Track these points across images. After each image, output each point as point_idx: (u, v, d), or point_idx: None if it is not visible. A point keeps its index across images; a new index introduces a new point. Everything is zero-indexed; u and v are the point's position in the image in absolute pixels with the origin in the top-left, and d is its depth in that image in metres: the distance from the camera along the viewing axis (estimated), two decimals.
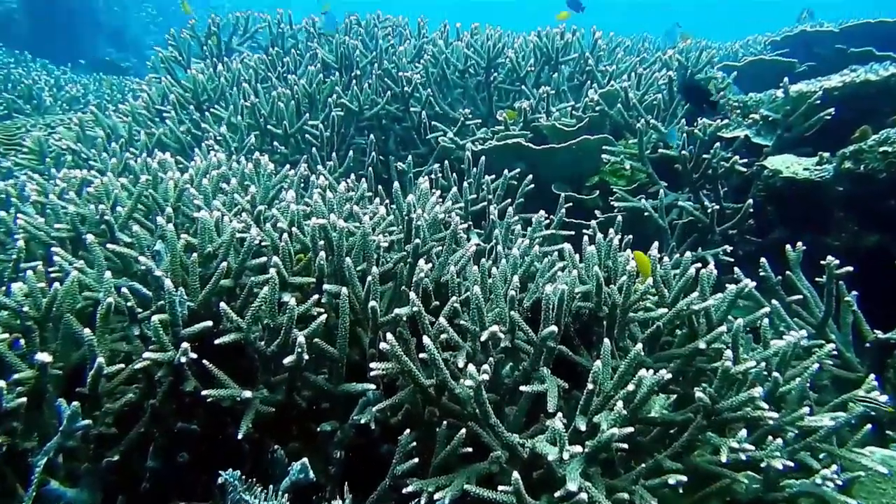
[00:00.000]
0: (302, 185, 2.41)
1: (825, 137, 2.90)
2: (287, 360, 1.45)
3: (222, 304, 1.44)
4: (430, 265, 1.78)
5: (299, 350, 1.43)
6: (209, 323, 1.48)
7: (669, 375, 1.42)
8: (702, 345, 1.59)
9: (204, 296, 1.57)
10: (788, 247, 2.11)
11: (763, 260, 2.09)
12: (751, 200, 2.65)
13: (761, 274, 2.09)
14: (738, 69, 4.03)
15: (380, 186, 2.72)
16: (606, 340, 1.53)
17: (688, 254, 1.86)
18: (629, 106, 3.13)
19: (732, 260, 2.65)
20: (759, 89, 3.93)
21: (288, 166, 2.34)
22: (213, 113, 3.12)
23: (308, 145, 3.10)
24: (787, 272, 2.08)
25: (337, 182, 2.44)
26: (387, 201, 2.55)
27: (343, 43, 3.73)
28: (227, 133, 2.83)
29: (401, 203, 1.99)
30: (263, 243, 1.78)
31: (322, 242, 1.76)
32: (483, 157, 2.89)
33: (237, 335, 1.48)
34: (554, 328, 1.52)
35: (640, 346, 1.45)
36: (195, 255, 1.59)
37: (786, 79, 2.94)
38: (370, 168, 2.95)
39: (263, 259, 1.74)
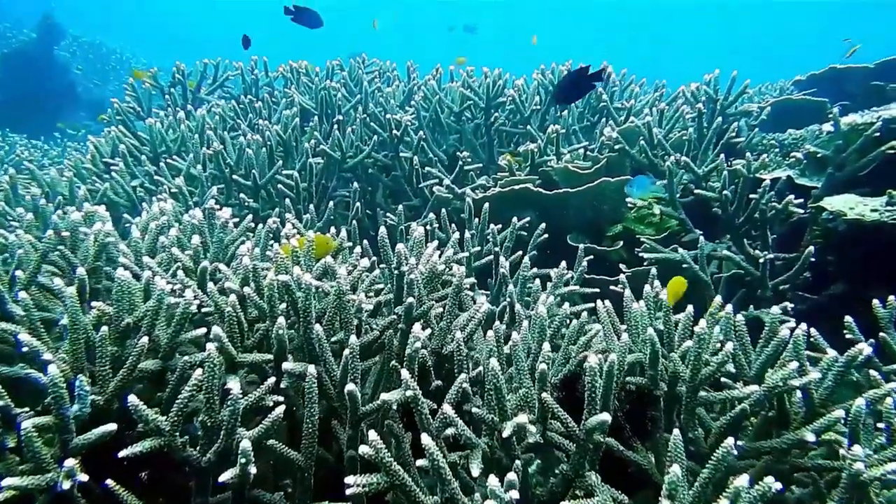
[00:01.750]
0: (271, 240, 2.05)
1: (879, 177, 2.57)
2: (225, 477, 1.03)
3: (131, 398, 1.04)
4: (428, 332, 1.40)
5: (243, 461, 1.02)
6: (113, 427, 1.07)
7: (779, 485, 1.01)
8: (809, 436, 1.19)
9: (116, 385, 1.17)
10: (877, 302, 1.72)
11: (849, 319, 1.70)
12: (811, 248, 2.29)
13: (847, 337, 1.70)
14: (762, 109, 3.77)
15: (365, 242, 2.36)
16: (677, 433, 1.13)
17: (717, 298, 1.49)
18: (654, 144, 2.81)
19: (793, 320, 2.26)
20: (784, 131, 3.65)
21: (250, 217, 1.98)
22: (171, 164, 2.78)
23: (282, 198, 2.75)
24: (881, 334, 1.69)
25: None
26: (374, 259, 2.19)
27: (323, 87, 3.44)
28: (184, 185, 2.48)
29: (389, 253, 1.62)
30: (207, 310, 1.40)
31: (284, 306, 1.38)
32: (486, 206, 2.55)
33: (155, 441, 1.07)
34: (606, 417, 1.12)
35: (731, 441, 1.05)
36: (106, 328, 1.20)
37: (835, 109, 2.64)
38: (354, 221, 2.60)
39: (206, 331, 1.35)
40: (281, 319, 1.27)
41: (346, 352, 1.24)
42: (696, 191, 2.55)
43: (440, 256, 1.75)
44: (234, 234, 1.86)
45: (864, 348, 1.26)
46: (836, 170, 2.64)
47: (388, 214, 2.85)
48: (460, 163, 3.02)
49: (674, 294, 1.67)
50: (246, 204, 2.69)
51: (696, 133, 2.88)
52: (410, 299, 1.44)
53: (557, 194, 2.79)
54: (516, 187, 2.82)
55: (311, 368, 1.19)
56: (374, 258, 2.16)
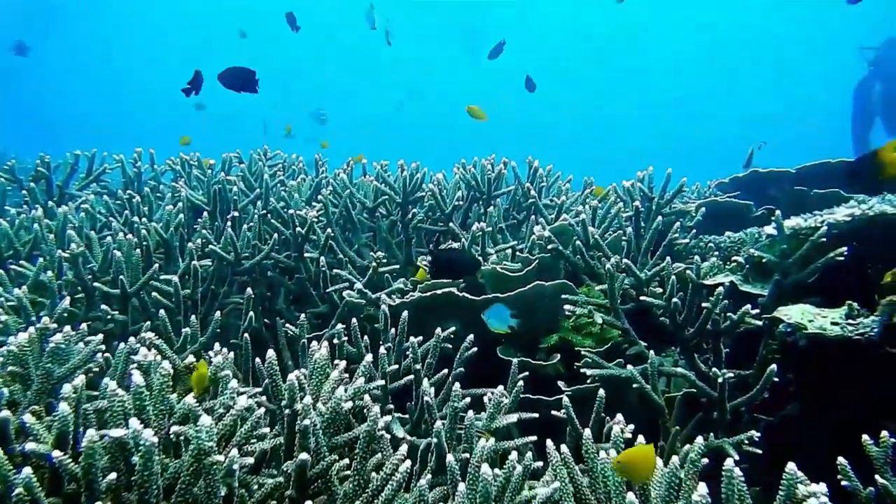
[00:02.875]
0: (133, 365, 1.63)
1: (828, 284, 2.43)
2: None
3: None
4: None
5: None
6: None
7: None
8: None
9: None
10: (867, 438, 1.48)
11: (842, 461, 1.44)
12: (774, 367, 2.07)
13: (843, 483, 1.43)
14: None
15: (258, 360, 1.97)
16: None
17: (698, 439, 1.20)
18: (589, 244, 2.59)
19: (759, 452, 2.01)
20: (710, 233, 3.55)
21: (99, 338, 1.57)
22: (16, 269, 2.32)
23: (159, 308, 2.32)
24: (880, 480, 1.42)
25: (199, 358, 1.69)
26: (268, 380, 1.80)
27: (217, 181, 3.10)
28: (26, 297, 2.03)
29: (279, 384, 1.25)
30: None
31: (112, 476, 0.97)
32: (404, 314, 2.23)
33: None
34: None
35: None
36: None
37: (777, 212, 2.51)
38: (247, 335, 2.20)
39: None
40: None
41: None
42: (641, 297, 2.32)
43: (349, 384, 1.40)
44: (73, 361, 1.44)
45: None
46: (782, 277, 2.48)
47: (287, 325, 2.46)
48: (374, 263, 2.70)
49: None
50: (110, 317, 2.24)
51: (634, 233, 2.69)
52: (304, 455, 1.06)
53: (486, 300, 2.50)
54: (438, 292, 2.52)
55: None
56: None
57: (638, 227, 2.69)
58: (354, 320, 2.26)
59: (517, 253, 2.82)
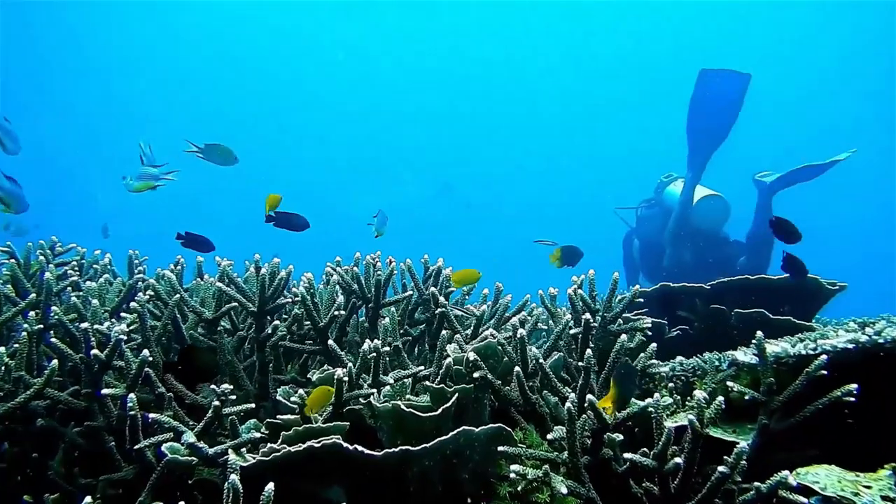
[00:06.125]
0: None
1: (819, 426, 1.96)
2: None
3: None
4: None
5: None
6: None
7: None
8: None
9: None
10: None
11: None
12: None
13: None
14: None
15: None
16: None
17: None
18: (528, 371, 1.94)
19: None
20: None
21: None
22: None
23: None
24: None
25: None
26: None
27: None
28: None
29: None
30: None
31: None
32: (269, 488, 1.40)
33: None
34: None
35: None
36: None
37: (759, 333, 2.01)
38: None
39: None
40: None
41: None
42: (626, 455, 1.65)
43: None
44: None
45: None
46: (768, 420, 1.95)
47: None
48: (215, 402, 1.85)
49: None
50: None
51: (583, 353, 2.08)
52: None
53: (388, 456, 1.71)
54: (316, 445, 1.70)
55: None
56: None
57: (585, 346, 2.08)
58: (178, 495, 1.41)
59: (423, 382, 2.10)
